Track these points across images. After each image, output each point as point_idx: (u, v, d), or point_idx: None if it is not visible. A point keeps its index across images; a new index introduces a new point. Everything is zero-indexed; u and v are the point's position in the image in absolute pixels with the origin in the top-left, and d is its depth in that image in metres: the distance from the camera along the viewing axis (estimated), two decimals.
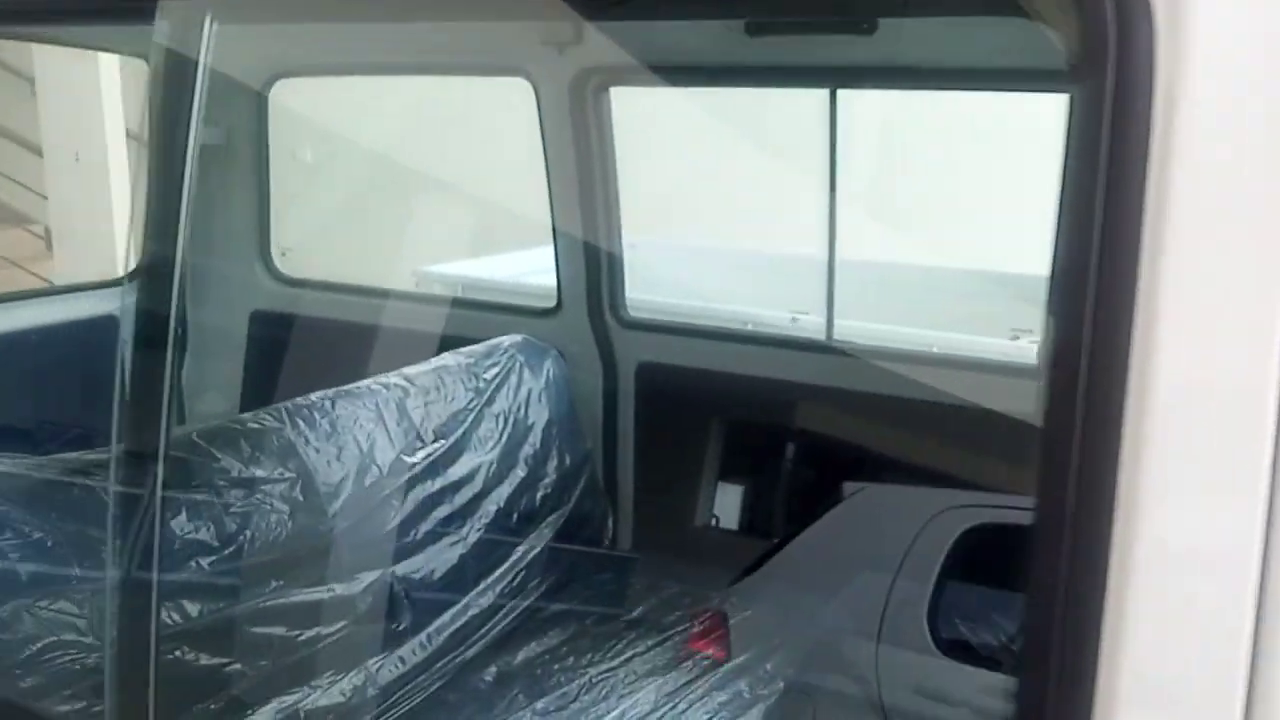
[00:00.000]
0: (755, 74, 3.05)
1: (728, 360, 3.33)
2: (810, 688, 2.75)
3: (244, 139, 3.85)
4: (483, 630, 2.75)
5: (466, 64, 3.38)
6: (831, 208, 3.00)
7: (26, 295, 3.76)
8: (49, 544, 1.83)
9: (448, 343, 3.21)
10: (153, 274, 1.14)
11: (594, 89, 3.19)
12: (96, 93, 7.27)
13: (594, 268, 3.41)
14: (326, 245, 4.36)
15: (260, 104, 3.78)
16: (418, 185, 4.35)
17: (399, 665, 2.44)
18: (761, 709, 2.53)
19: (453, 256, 4.95)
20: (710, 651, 2.90)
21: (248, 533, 2.16)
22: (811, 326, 3.42)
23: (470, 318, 3.78)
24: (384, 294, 4.03)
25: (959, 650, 2.91)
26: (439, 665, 2.58)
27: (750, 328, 3.83)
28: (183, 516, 2.05)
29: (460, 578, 2.69)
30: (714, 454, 3.47)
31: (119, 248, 7.52)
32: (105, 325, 3.83)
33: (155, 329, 1.11)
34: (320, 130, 4.18)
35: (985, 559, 2.94)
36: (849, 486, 3.10)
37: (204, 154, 3.99)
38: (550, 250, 5.31)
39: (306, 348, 3.79)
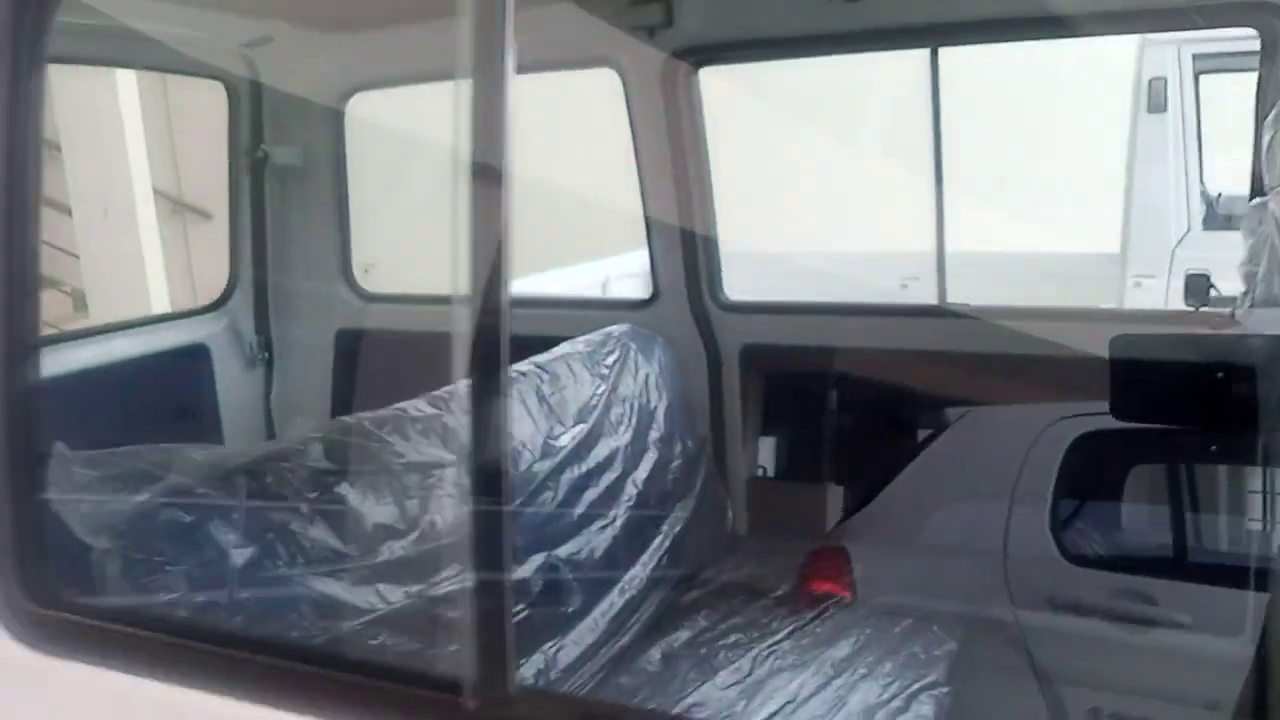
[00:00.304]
0: (852, 40, 3.05)
1: (837, 335, 3.30)
2: (939, 613, 2.71)
3: (321, 156, 3.83)
4: (638, 614, 2.70)
5: (553, 60, 3.37)
6: (938, 167, 2.98)
7: (118, 327, 3.72)
8: (254, 529, 1.80)
9: (545, 343, 3.18)
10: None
11: (685, 72, 3.18)
12: (123, 151, 7.34)
13: (691, 254, 3.38)
14: (408, 260, 4.33)
15: (337, 119, 3.77)
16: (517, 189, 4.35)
17: (575, 648, 2.39)
18: (943, 667, 2.48)
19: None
20: (834, 591, 2.86)
21: (428, 516, 2.13)
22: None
23: (562, 316, 3.75)
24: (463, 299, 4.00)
25: (1085, 556, 2.88)
26: (604, 650, 2.53)
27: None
28: (371, 500, 2.01)
29: (613, 561, 2.65)
30: (827, 430, 3.44)
31: (153, 297, 7.53)
32: (195, 353, 3.80)
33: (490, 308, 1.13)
34: (396, 141, 4.17)
35: (1100, 464, 2.91)
36: (954, 411, 3.07)
37: (281, 174, 3.99)
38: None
39: (395, 362, 3.75)
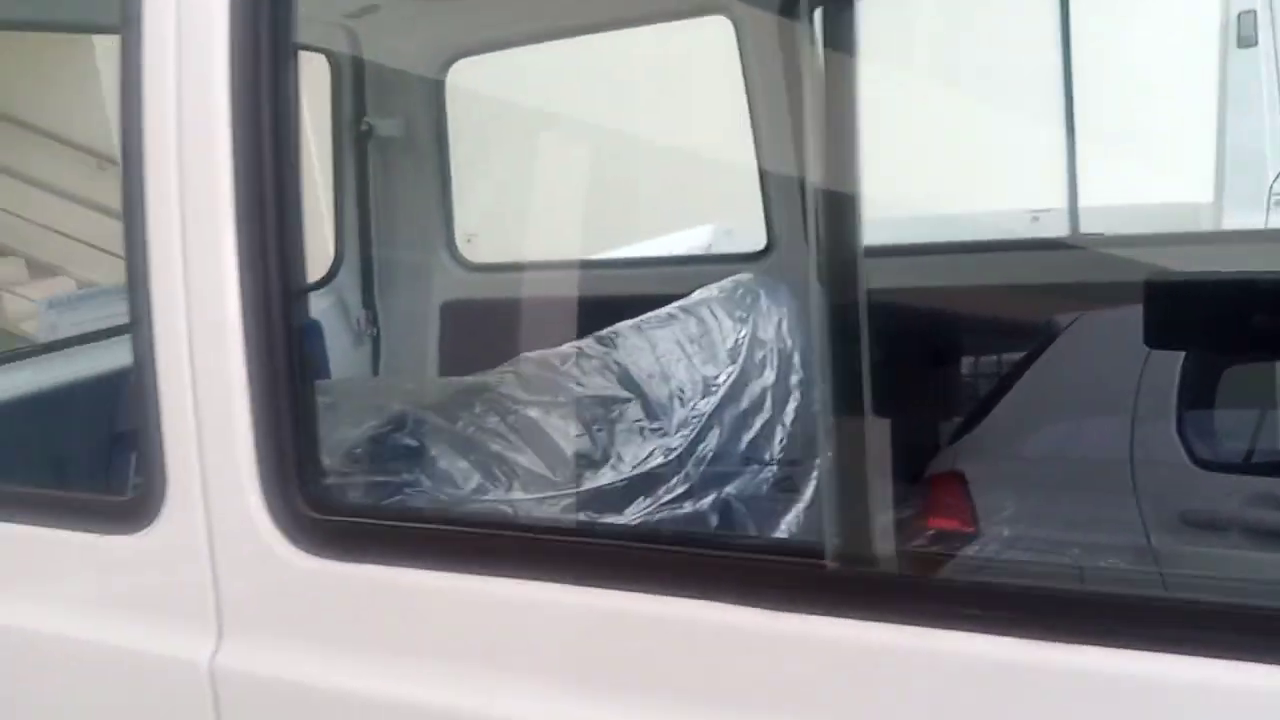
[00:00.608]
0: None
1: (965, 274, 3.26)
2: (1062, 541, 2.61)
3: (422, 126, 3.82)
4: None
5: (663, 10, 3.36)
6: (1068, 84, 2.94)
7: None
8: (474, 455, 1.80)
9: (660, 301, 3.16)
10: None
11: (805, 10, 3.15)
12: None
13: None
14: (513, 226, 4.33)
15: (437, 88, 3.76)
16: (592, 161, 4.34)
17: None
18: None
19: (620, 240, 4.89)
20: (954, 526, 2.76)
21: (614, 449, 2.12)
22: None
23: (674, 274, 3.74)
24: (578, 265, 3.99)
25: (1217, 460, 2.74)
26: None
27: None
28: (568, 430, 2.01)
29: (774, 501, 2.63)
30: (957, 372, 3.41)
31: None
32: (310, 330, 3.80)
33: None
34: (498, 107, 4.17)
35: (1227, 359, 2.75)
36: (1064, 317, 2.91)
37: (383, 146, 3.99)
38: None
39: (504, 331, 3.74)
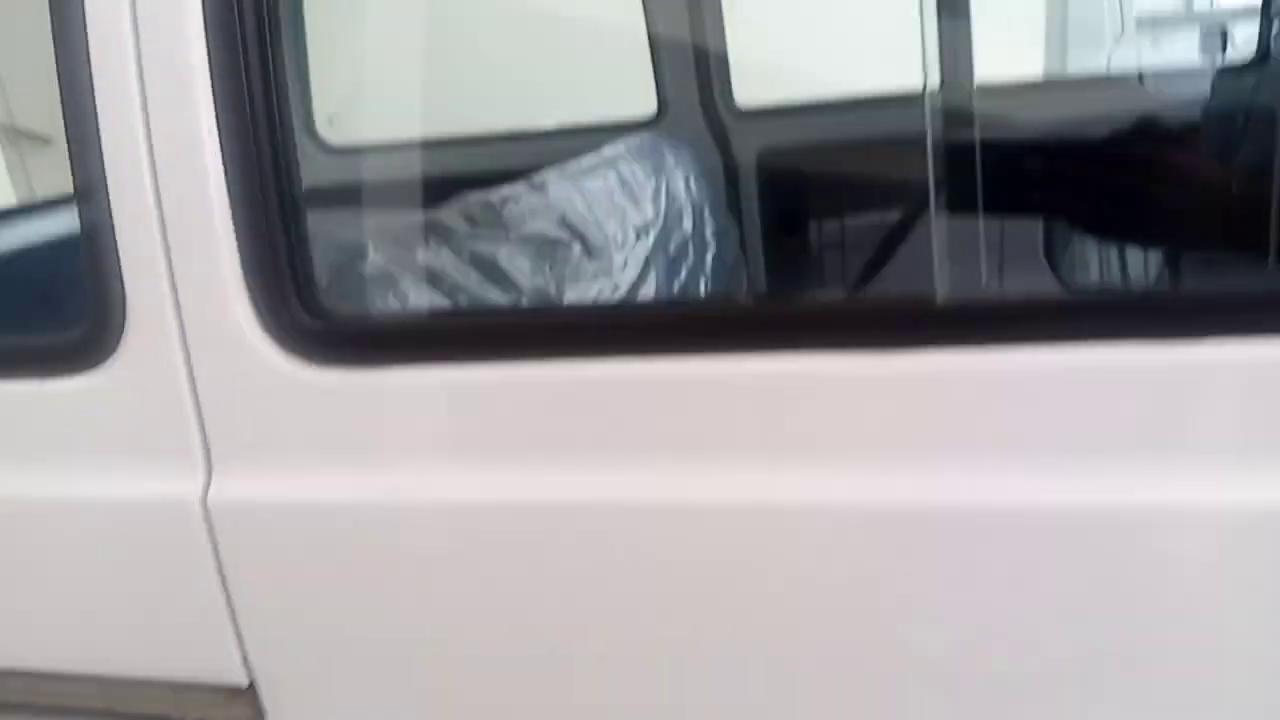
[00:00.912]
0: None
1: (854, 130, 3.26)
2: None
3: None
4: None
5: None
6: None
7: None
8: (439, 285, 1.67)
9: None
10: None
11: None
12: None
13: (703, 64, 3.28)
14: (383, 103, 4.05)
15: None
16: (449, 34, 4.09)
17: None
18: None
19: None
20: None
21: (564, 287, 2.03)
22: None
23: (562, 145, 3.59)
24: (452, 142, 3.79)
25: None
26: None
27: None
28: (526, 264, 1.89)
29: None
30: (848, 229, 3.42)
31: None
32: None
33: None
34: None
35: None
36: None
37: None
38: None
39: (368, 216, 3.52)
